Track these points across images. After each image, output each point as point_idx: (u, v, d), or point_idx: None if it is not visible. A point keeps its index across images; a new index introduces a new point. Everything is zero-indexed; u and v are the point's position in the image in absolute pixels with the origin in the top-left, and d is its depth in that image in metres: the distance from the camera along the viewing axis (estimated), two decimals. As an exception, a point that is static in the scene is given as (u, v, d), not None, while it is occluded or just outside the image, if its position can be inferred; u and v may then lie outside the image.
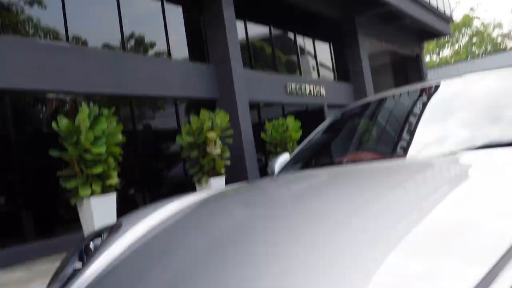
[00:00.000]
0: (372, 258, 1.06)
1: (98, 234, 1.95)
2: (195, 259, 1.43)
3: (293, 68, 16.25)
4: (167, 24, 11.32)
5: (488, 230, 1.06)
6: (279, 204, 1.90)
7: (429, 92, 2.64)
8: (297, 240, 1.33)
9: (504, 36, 48.91)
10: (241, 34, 13.11)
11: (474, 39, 48.40)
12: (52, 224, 8.22)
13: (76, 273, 1.70)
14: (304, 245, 1.29)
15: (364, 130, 2.90)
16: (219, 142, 9.18)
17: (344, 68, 18.72)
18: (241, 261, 1.28)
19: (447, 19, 24.16)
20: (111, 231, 1.91)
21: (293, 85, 14.77)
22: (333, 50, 18.72)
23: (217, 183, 8.88)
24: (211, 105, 11.37)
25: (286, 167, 2.70)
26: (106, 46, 9.95)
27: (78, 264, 1.79)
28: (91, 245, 1.87)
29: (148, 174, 10.20)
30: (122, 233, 1.85)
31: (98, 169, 6.23)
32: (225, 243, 1.48)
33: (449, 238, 1.05)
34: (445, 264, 0.95)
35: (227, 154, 9.51)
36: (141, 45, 10.91)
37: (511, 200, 1.18)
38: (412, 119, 2.42)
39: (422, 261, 0.99)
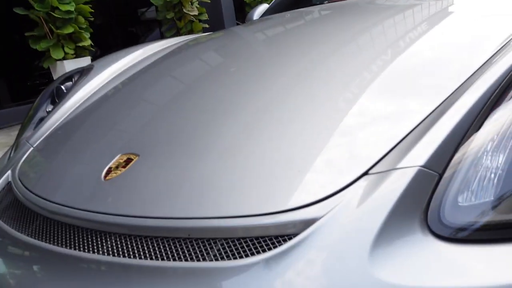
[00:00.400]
0: (345, 98, 1.04)
1: (69, 77, 1.88)
2: (168, 104, 1.40)
3: None
4: None
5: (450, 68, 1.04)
6: (256, 47, 1.82)
7: None
8: (273, 80, 1.30)
9: None
10: None
11: None
12: (27, 90, 8.08)
13: (48, 114, 1.67)
14: (280, 84, 1.26)
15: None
16: (195, 2, 8.70)
17: None
18: (213, 107, 1.25)
19: None
20: (82, 73, 1.84)
21: None
22: None
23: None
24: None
25: (265, 15, 2.58)
26: None
27: (50, 107, 1.76)
28: (63, 88, 1.81)
29: (123, 38, 9.82)
30: (93, 75, 1.79)
31: (68, 29, 5.93)
32: (200, 87, 1.44)
33: (417, 78, 1.04)
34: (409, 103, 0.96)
35: (205, 16, 9.11)
36: None
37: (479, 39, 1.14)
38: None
39: (389, 100, 1.00)
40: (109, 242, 0.91)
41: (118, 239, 0.91)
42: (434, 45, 1.20)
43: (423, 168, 0.77)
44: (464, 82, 0.92)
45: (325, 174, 0.85)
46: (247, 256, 0.77)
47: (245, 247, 0.79)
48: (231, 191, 0.88)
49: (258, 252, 0.77)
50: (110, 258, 0.88)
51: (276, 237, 0.79)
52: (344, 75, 1.19)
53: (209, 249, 0.81)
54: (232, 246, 0.80)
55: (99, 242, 0.92)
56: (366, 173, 0.81)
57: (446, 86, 0.93)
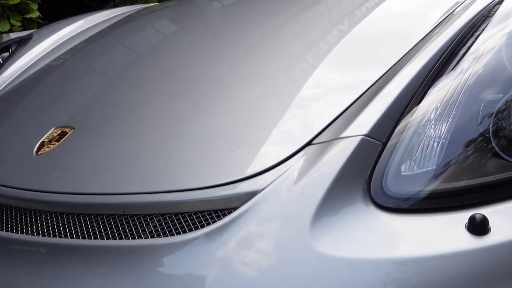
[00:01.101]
0: (293, 70, 1.02)
1: (6, 47, 1.76)
2: (109, 76, 1.32)
3: None
4: None
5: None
6: (212, 17, 1.75)
7: None
8: (226, 51, 1.24)
9: None
10: None
11: None
12: (-27, 64, 7.62)
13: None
14: (231, 55, 1.21)
15: None
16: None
17: None
18: (159, 78, 1.19)
19: None
20: (20, 43, 1.72)
21: None
22: None
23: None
24: None
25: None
26: None
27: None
28: (-1, 59, 1.69)
29: (74, 9, 9.38)
30: (32, 46, 1.68)
31: (14, 0, 5.59)
32: (147, 59, 1.37)
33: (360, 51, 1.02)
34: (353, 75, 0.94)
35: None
36: None
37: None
38: None
39: (334, 73, 0.97)
40: (39, 221, 0.85)
41: (49, 218, 0.85)
42: (378, 18, 1.17)
43: (366, 137, 0.75)
44: (407, 53, 0.89)
45: (267, 146, 0.81)
46: (184, 232, 0.73)
47: (183, 222, 0.75)
48: (169, 164, 0.84)
49: (196, 228, 0.73)
50: (40, 239, 0.82)
51: (216, 211, 0.75)
52: (294, 48, 1.15)
53: (145, 226, 0.76)
54: (170, 222, 0.75)
55: (29, 222, 0.86)
56: (309, 144, 0.79)
57: (389, 57, 0.90)
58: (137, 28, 1.77)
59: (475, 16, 0.93)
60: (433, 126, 0.76)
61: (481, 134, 0.75)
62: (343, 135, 0.76)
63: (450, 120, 0.76)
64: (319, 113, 0.83)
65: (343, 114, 0.80)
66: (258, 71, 1.07)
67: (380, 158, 0.75)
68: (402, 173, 0.73)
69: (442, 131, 0.75)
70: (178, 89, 1.08)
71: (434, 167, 0.73)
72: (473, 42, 0.87)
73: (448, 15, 0.98)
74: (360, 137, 0.75)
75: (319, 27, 1.23)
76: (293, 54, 1.09)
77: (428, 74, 0.82)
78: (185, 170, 0.82)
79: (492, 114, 0.76)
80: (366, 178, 0.73)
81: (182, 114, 0.98)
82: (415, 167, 0.73)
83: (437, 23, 0.96)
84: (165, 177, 0.81)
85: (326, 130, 0.79)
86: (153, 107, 1.03)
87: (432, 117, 0.77)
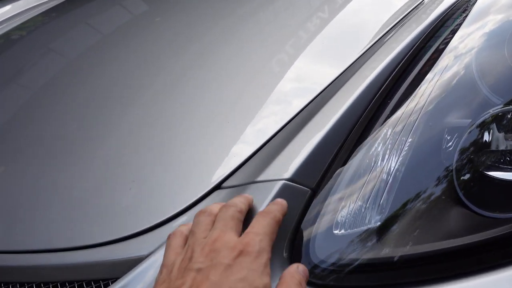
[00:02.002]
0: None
1: None
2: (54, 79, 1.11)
3: None
4: None
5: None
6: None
7: None
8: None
9: None
10: None
11: None
12: None
13: None
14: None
15: None
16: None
17: None
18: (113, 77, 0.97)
19: None
20: None
21: None
22: None
23: None
24: None
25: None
26: None
27: None
28: None
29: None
30: None
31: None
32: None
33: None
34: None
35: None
36: None
37: None
38: None
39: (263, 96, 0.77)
40: None
41: None
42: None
43: (289, 182, 0.56)
44: (347, 69, 0.70)
45: (165, 188, 0.62)
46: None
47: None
48: (39, 217, 0.64)
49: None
50: None
51: (89, 282, 0.56)
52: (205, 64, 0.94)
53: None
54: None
55: None
56: (217, 187, 0.60)
57: (324, 76, 0.71)
58: (72, 20, 1.54)
59: (440, 16, 0.75)
60: (378, 167, 0.57)
61: (443, 177, 0.56)
62: (260, 178, 0.57)
63: (399, 159, 0.57)
64: (232, 149, 0.64)
65: (261, 151, 0.61)
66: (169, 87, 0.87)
67: (308, 211, 0.56)
68: (335, 232, 0.54)
69: (390, 174, 0.56)
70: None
71: (378, 223, 0.54)
72: (435, 52, 0.68)
73: (404, 17, 0.79)
74: (282, 182, 0.56)
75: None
76: (203, 71, 0.89)
77: (375, 95, 0.63)
78: (58, 225, 0.62)
79: (457, 148, 0.58)
80: (288, 239, 0.55)
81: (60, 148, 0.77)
82: (353, 223, 0.55)
83: (390, 27, 0.77)
84: (29, 234, 0.61)
85: (239, 171, 0.60)
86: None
87: (377, 155, 0.58)
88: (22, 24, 1.55)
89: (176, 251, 0.49)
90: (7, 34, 1.42)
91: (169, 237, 0.52)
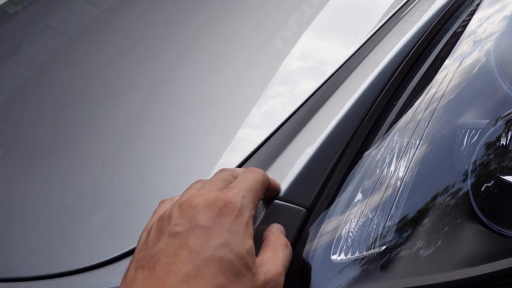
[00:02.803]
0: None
1: None
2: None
3: None
4: None
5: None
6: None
7: None
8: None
9: None
10: None
11: None
12: None
13: None
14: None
15: None
16: None
17: None
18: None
19: None
20: None
21: None
22: None
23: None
24: None
25: None
26: None
27: None
28: None
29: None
30: None
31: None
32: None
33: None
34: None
35: None
36: None
37: None
38: None
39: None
40: None
41: None
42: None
43: (281, 202, 0.49)
44: (343, 64, 0.61)
45: (139, 206, 0.55)
46: None
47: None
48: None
49: None
50: None
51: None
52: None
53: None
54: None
55: None
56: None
57: (317, 73, 0.62)
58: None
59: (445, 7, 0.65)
60: (383, 180, 0.50)
61: (456, 191, 0.49)
62: (248, 196, 0.50)
63: (407, 170, 0.50)
64: (215, 159, 0.56)
65: (248, 163, 0.53)
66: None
67: (302, 234, 0.49)
68: (333, 258, 0.47)
69: (396, 190, 0.49)
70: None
71: (383, 248, 0.47)
72: (446, 42, 0.60)
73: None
74: (273, 201, 0.49)
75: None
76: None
77: (378, 96, 0.55)
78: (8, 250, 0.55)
79: (472, 159, 0.50)
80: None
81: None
82: (354, 248, 0.48)
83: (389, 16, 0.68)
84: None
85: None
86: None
87: (382, 165, 0.51)
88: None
89: (159, 214, 0.44)
90: (1, 8, 1.32)
91: (159, 204, 0.47)
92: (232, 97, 0.64)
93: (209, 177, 0.53)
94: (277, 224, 0.46)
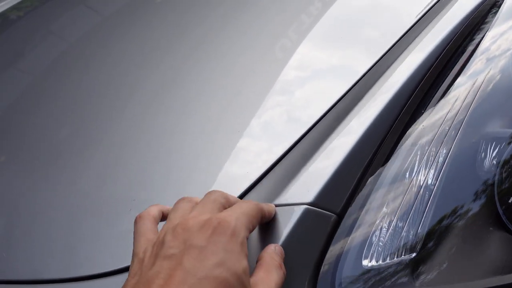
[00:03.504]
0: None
1: None
2: None
3: None
4: None
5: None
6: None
7: None
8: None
9: None
10: None
11: None
12: None
13: None
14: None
15: None
16: None
17: None
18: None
19: None
20: None
21: None
22: None
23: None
24: None
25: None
26: None
27: None
28: None
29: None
30: None
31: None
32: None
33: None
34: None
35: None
36: None
37: None
38: None
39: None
40: None
41: None
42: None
43: (312, 207, 0.49)
44: (370, 68, 0.62)
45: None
46: None
47: None
48: (18, 241, 0.56)
49: None
50: None
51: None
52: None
53: None
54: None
55: None
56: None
57: (342, 79, 0.62)
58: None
59: (477, 8, 0.66)
60: (413, 186, 0.50)
61: (483, 200, 0.49)
62: (277, 201, 0.50)
63: (438, 177, 0.50)
64: (242, 165, 0.56)
65: (276, 168, 0.54)
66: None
67: (333, 240, 0.49)
68: (364, 264, 0.48)
69: (428, 195, 0.49)
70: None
71: (414, 254, 0.47)
72: (473, 50, 0.60)
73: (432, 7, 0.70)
74: (304, 206, 0.49)
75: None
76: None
77: (407, 103, 0.55)
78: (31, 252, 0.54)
79: (499, 168, 0.50)
80: (311, 271, 0.48)
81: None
82: (385, 254, 0.48)
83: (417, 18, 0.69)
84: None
85: (252, 192, 0.53)
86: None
87: (411, 172, 0.51)
88: (18, 3, 1.45)
89: (147, 237, 0.44)
90: (4, 14, 1.32)
91: (136, 221, 0.46)
92: (259, 101, 0.64)
93: (230, 186, 0.53)
94: (276, 244, 0.45)
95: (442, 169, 0.50)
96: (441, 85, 0.56)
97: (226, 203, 0.45)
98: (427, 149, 0.51)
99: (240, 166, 0.56)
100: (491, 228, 0.48)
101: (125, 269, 0.49)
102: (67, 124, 0.72)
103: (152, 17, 1.04)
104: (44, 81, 0.92)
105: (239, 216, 0.41)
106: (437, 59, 0.58)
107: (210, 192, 0.46)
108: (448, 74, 0.58)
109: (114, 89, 0.79)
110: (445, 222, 0.49)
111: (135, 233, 0.45)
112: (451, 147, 0.51)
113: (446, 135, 0.51)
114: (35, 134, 0.75)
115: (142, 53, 0.89)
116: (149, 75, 0.79)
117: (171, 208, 0.46)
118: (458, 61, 0.59)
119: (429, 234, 0.48)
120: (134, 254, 0.43)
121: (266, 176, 0.53)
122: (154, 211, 0.47)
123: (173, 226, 0.41)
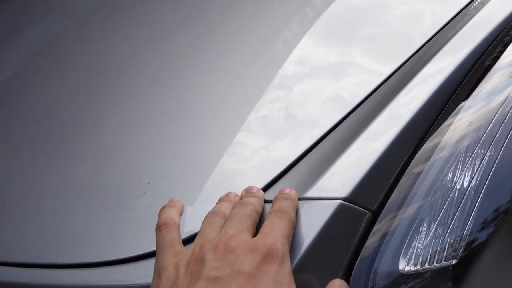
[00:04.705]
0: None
1: None
2: None
3: None
4: None
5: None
6: None
7: None
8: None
9: None
10: None
11: None
12: None
13: None
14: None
15: None
16: None
17: None
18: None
19: None
20: None
21: None
22: None
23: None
24: None
25: None
26: None
27: None
28: None
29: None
30: None
31: None
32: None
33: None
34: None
35: None
36: None
37: None
38: None
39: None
40: None
41: None
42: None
43: (346, 202, 0.45)
44: (404, 63, 0.58)
45: (184, 197, 0.50)
46: None
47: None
48: (29, 225, 0.52)
49: None
50: None
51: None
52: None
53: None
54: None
55: None
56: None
57: (375, 73, 0.58)
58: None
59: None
60: (457, 186, 0.46)
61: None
62: (309, 193, 0.46)
63: (488, 178, 0.46)
64: (270, 152, 0.52)
65: (308, 157, 0.49)
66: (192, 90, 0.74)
67: (367, 240, 0.45)
68: (400, 269, 0.44)
69: (468, 202, 0.45)
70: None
71: (455, 261, 0.43)
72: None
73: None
74: (338, 201, 0.45)
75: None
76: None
77: (448, 101, 0.51)
78: (41, 236, 0.50)
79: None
80: (342, 273, 0.44)
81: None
82: (423, 258, 0.44)
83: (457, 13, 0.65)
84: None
85: (280, 181, 0.49)
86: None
87: (454, 171, 0.47)
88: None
89: (175, 249, 0.41)
90: None
91: (159, 229, 0.43)
92: (287, 82, 0.60)
93: (257, 174, 0.49)
94: (341, 280, 0.42)
95: (489, 172, 0.46)
96: (485, 84, 0.52)
97: (257, 218, 0.43)
98: (473, 150, 0.47)
99: (268, 152, 0.51)
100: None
101: (143, 256, 0.44)
102: (77, 102, 0.67)
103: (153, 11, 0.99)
104: (50, 57, 0.87)
105: (283, 241, 0.39)
106: (483, 54, 0.54)
107: (242, 204, 0.43)
108: (492, 71, 0.54)
109: (123, 70, 0.75)
110: (489, 228, 0.45)
111: (159, 243, 0.42)
112: (500, 150, 0.47)
113: (494, 137, 0.47)
114: (46, 111, 0.70)
115: (151, 35, 0.84)
116: (167, 57, 0.74)
117: (203, 220, 0.43)
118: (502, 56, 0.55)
119: (472, 240, 0.44)
120: (161, 268, 0.39)
121: (297, 165, 0.49)
122: (177, 217, 0.43)
123: (213, 244, 0.38)
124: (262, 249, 0.37)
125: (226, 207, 0.44)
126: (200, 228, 0.42)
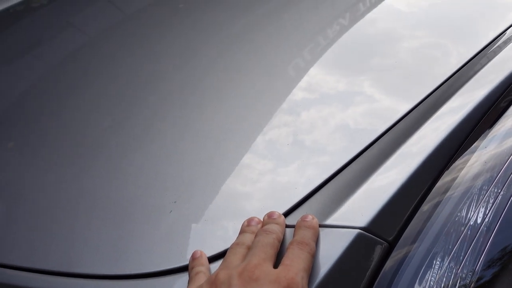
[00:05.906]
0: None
1: None
2: None
3: None
4: None
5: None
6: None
7: None
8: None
9: None
10: None
11: None
12: None
13: None
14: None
15: None
16: None
17: None
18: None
19: None
20: None
21: None
22: None
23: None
24: None
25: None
26: None
27: None
28: None
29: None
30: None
31: None
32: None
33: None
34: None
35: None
36: None
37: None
38: None
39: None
40: None
41: None
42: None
43: (364, 232, 0.47)
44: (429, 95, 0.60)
45: (211, 220, 0.52)
46: None
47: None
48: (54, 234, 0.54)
49: None
50: None
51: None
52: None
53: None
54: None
55: None
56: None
57: (400, 103, 0.61)
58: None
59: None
60: (473, 222, 0.48)
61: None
62: (329, 221, 0.48)
63: (501, 215, 0.48)
64: (292, 178, 0.54)
65: (329, 185, 0.51)
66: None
67: (382, 270, 0.46)
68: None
69: (482, 237, 0.47)
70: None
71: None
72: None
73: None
74: (357, 230, 0.46)
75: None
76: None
77: (465, 139, 0.53)
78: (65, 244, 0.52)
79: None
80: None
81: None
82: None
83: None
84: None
85: (301, 208, 0.51)
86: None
87: (470, 207, 0.49)
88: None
89: (203, 273, 0.44)
90: (28, 0, 1.30)
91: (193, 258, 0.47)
92: (313, 120, 0.62)
93: (278, 199, 0.51)
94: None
95: (502, 211, 0.48)
96: (504, 122, 0.55)
97: (279, 246, 0.46)
98: (487, 188, 0.49)
99: (290, 178, 0.54)
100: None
101: (171, 271, 0.46)
102: (107, 120, 0.70)
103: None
104: (78, 73, 0.90)
105: (303, 275, 0.42)
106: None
107: (265, 232, 0.46)
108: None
109: (145, 90, 0.77)
110: (500, 264, 0.47)
111: (190, 271, 0.46)
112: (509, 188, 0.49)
113: (508, 177, 0.49)
114: (77, 126, 0.73)
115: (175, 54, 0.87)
116: (193, 72, 0.77)
117: (228, 250, 0.46)
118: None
119: (483, 275, 0.46)
120: None
121: (318, 192, 0.51)
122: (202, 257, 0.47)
123: (239, 271, 0.41)
124: (283, 282, 0.40)
125: (248, 239, 0.47)
126: (225, 257, 0.45)
